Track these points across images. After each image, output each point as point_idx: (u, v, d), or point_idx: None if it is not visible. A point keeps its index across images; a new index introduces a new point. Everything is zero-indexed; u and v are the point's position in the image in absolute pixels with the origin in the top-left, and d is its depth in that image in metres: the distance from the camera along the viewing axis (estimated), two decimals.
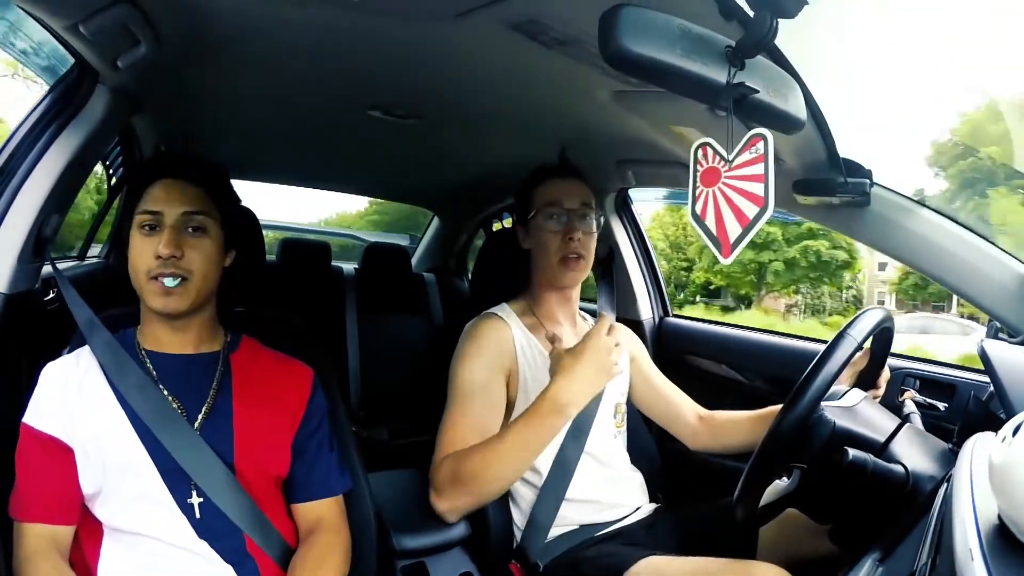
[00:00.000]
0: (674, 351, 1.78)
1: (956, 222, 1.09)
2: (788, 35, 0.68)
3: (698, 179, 0.74)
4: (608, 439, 1.20)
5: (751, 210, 0.69)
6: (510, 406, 1.13)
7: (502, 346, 1.14)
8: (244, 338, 0.98)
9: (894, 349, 1.10)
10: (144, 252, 0.85)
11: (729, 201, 0.71)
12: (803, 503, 0.94)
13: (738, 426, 1.23)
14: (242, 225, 0.97)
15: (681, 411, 1.30)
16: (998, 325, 1.06)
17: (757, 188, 0.69)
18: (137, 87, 1.11)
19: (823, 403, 0.88)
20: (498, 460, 0.98)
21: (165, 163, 0.90)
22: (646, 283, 1.86)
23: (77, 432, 0.83)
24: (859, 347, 0.88)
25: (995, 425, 0.63)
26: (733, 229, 0.71)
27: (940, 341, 8.90)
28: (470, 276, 2.42)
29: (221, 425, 0.88)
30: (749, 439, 1.18)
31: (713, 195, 0.73)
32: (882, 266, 18.35)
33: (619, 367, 0.99)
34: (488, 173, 2.08)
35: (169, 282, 0.84)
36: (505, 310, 1.20)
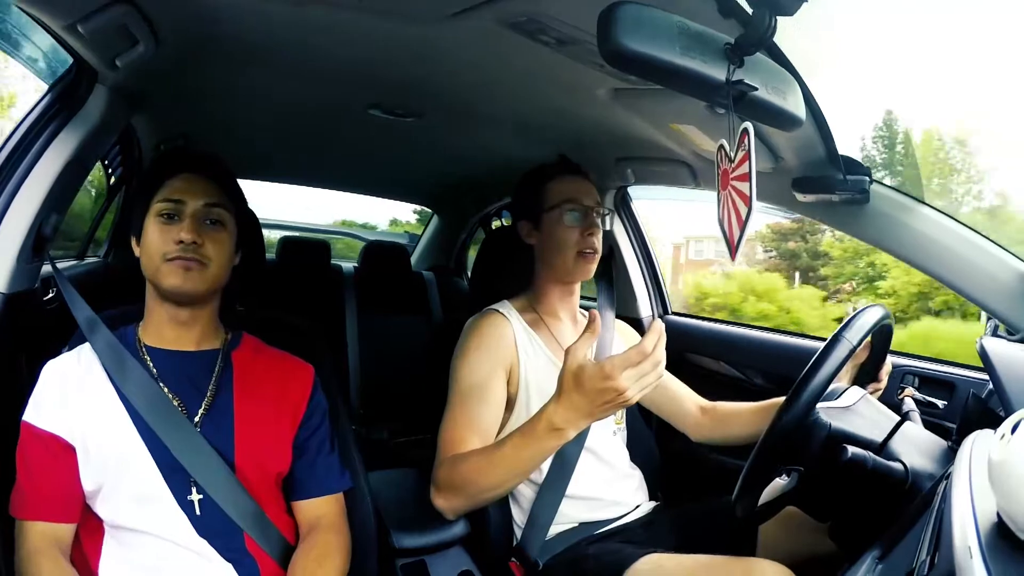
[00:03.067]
0: (674, 349, 1.76)
1: (955, 220, 1.09)
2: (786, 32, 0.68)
3: (719, 183, 0.74)
4: (608, 436, 1.21)
5: (743, 210, 0.69)
6: (511, 402, 1.14)
7: (503, 342, 1.14)
8: (245, 336, 0.98)
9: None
10: (162, 238, 0.86)
11: (732, 202, 0.71)
12: (803, 501, 0.94)
13: (740, 417, 1.23)
14: (250, 226, 0.98)
15: (683, 403, 1.30)
16: (997, 322, 1.06)
17: (746, 187, 0.69)
18: (136, 87, 1.11)
19: (820, 404, 0.88)
20: (492, 470, 0.95)
21: (186, 157, 0.92)
22: (645, 281, 1.86)
23: (77, 429, 0.83)
24: (855, 348, 0.88)
25: (994, 423, 0.63)
26: (735, 231, 0.71)
27: None
28: (469, 274, 2.42)
29: (222, 422, 0.89)
30: (751, 430, 1.19)
31: (725, 198, 0.73)
32: None
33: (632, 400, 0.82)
34: (487, 171, 2.07)
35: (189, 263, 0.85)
36: (506, 306, 1.21)
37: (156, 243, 0.86)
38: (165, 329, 0.91)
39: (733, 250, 0.71)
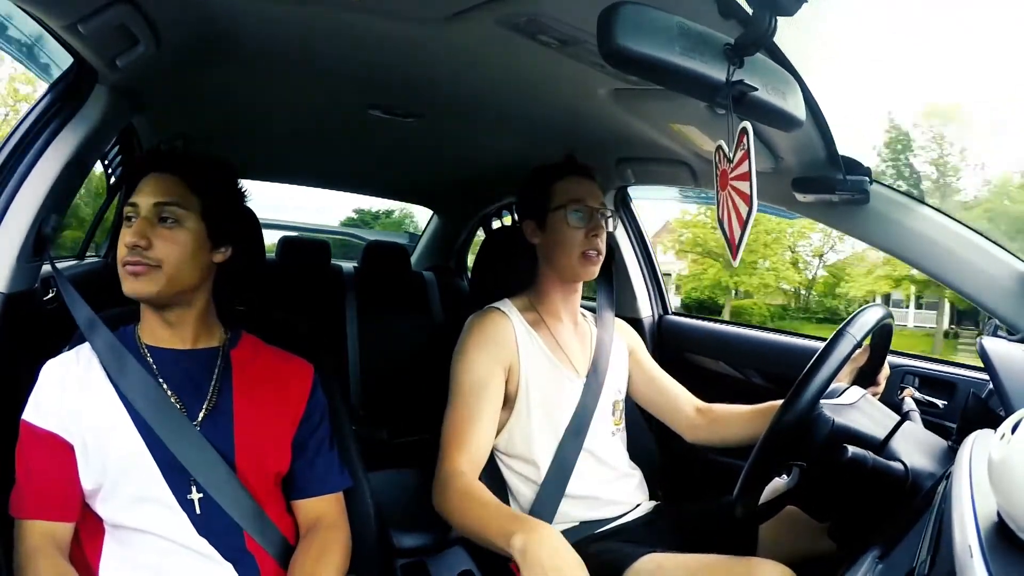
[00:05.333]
0: (674, 349, 1.78)
1: (955, 220, 1.09)
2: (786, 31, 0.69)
3: (717, 183, 0.74)
4: (607, 436, 1.21)
5: (744, 209, 0.69)
6: (510, 401, 1.14)
7: (503, 340, 1.14)
8: (244, 335, 0.98)
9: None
10: (120, 243, 0.86)
11: (732, 202, 0.71)
12: (803, 500, 0.94)
13: (736, 419, 1.23)
14: (237, 222, 0.96)
15: (679, 403, 1.30)
16: (997, 322, 1.07)
17: (746, 186, 0.69)
18: (136, 86, 1.11)
19: (822, 401, 0.88)
20: (465, 518, 0.97)
21: (147, 158, 0.92)
22: (646, 281, 1.86)
23: (77, 428, 0.83)
24: (858, 344, 0.88)
25: (994, 422, 0.63)
26: (736, 231, 0.71)
27: None
28: (470, 274, 2.42)
29: (221, 421, 0.89)
30: (747, 432, 1.19)
31: (724, 199, 0.73)
32: None
33: None
34: (488, 171, 2.08)
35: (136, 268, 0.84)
36: (507, 305, 1.21)
37: (119, 248, 0.86)
38: (158, 329, 0.91)
39: (734, 250, 0.72)
